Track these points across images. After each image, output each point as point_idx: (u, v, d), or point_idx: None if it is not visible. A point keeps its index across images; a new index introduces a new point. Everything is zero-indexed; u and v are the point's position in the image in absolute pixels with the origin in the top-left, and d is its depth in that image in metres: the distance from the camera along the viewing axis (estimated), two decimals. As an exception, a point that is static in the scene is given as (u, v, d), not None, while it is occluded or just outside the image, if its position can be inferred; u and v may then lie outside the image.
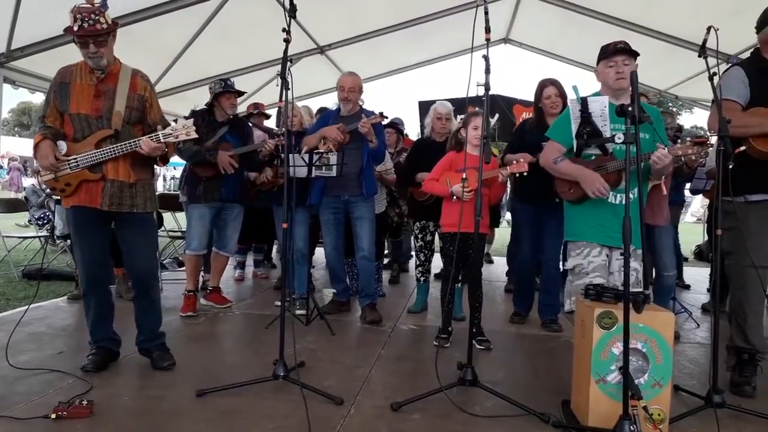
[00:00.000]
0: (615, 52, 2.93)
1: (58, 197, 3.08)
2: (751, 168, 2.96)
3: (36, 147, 2.97)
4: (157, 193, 3.53)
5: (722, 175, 2.73)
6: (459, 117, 4.95)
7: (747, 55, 3.34)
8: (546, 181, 3.59)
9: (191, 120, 3.08)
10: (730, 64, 3.21)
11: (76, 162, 2.98)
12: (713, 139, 2.94)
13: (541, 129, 4.22)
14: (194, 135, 3.05)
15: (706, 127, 3.25)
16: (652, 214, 3.96)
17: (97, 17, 2.89)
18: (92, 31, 2.89)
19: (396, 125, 6.11)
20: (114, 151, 2.98)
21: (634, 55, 2.92)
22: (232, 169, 4.40)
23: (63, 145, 3.01)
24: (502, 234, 7.82)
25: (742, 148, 2.95)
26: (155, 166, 3.34)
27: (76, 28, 2.89)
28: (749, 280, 3.01)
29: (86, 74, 3.04)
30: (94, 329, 3.18)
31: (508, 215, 7.46)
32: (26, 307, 3.86)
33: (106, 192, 3.01)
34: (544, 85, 4.26)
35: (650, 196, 3.72)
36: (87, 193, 3.02)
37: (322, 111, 5.67)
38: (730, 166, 2.74)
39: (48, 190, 3.10)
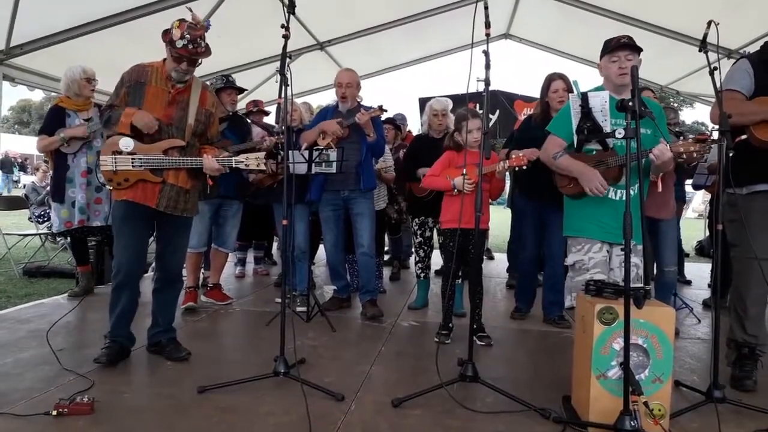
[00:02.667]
0: (618, 47, 2.91)
1: (111, 188, 3.16)
2: (752, 158, 2.96)
3: (134, 114, 3.03)
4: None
5: (724, 167, 2.72)
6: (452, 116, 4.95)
7: (748, 49, 3.33)
8: (551, 177, 3.59)
9: (263, 153, 3.24)
10: (739, 57, 3.20)
11: (140, 162, 3.06)
12: (714, 134, 2.93)
13: (546, 124, 4.21)
14: (263, 167, 3.23)
15: (708, 122, 3.25)
16: (656, 207, 3.95)
17: (202, 41, 3.07)
18: (194, 53, 3.06)
19: (394, 121, 6.10)
20: (179, 162, 3.11)
21: (638, 50, 2.90)
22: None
23: (131, 143, 3.07)
24: (503, 230, 7.83)
25: (743, 137, 2.94)
26: None
27: (179, 45, 3.02)
28: (752, 272, 3.00)
29: (162, 79, 3.15)
30: (116, 324, 3.20)
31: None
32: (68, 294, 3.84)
33: (164, 194, 3.12)
34: (552, 78, 4.22)
35: (652, 190, 3.69)
36: (143, 191, 3.11)
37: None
38: (731, 154, 2.73)
39: (107, 185, 3.18)
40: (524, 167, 3.54)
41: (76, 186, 4.60)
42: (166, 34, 3.09)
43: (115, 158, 3.05)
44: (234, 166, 3.19)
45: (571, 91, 4.10)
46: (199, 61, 3.18)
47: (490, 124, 5.26)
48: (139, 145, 3.08)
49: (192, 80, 3.23)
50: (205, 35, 3.13)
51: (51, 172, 4.82)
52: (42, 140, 4.59)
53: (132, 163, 3.05)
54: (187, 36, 3.03)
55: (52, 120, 4.61)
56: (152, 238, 3.50)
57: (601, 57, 3.02)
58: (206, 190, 4.40)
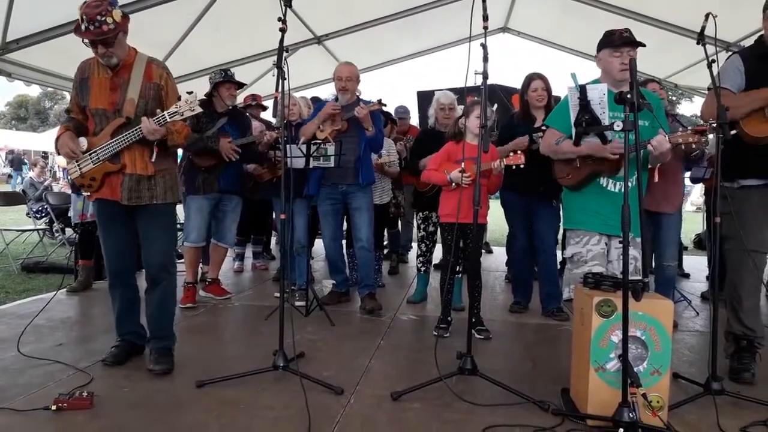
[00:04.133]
0: (622, 43, 2.90)
1: (88, 193, 3.08)
2: (744, 153, 2.97)
3: (57, 138, 3.00)
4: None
5: (718, 162, 2.73)
6: (458, 107, 4.94)
7: (746, 43, 3.32)
8: (536, 171, 3.59)
9: (194, 94, 3.00)
10: (731, 52, 3.20)
11: (97, 155, 2.99)
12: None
13: (527, 121, 4.26)
14: (198, 110, 2.98)
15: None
16: (656, 201, 3.94)
17: (103, 18, 2.78)
18: (98, 34, 2.81)
19: (389, 115, 6.09)
20: (125, 139, 2.94)
21: (639, 45, 2.90)
22: (235, 155, 4.39)
23: (84, 141, 3.02)
24: (502, 224, 7.83)
25: (733, 131, 2.95)
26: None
27: (82, 29, 2.82)
28: (745, 265, 3.01)
29: (102, 67, 3.01)
30: (118, 322, 3.18)
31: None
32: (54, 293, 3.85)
33: (124, 186, 3.00)
34: (531, 78, 4.35)
35: (657, 182, 3.65)
36: (109, 187, 3.03)
37: (316, 100, 5.65)
38: (721, 148, 2.74)
39: (82, 191, 3.14)
40: (521, 165, 3.53)
41: None
42: (76, 28, 2.88)
43: (77, 162, 3.00)
44: (169, 119, 2.93)
45: (550, 91, 4.24)
46: (114, 41, 2.85)
47: (492, 116, 5.28)
48: (91, 140, 3.02)
49: (133, 58, 3.02)
50: (111, 9, 2.81)
51: (48, 167, 4.86)
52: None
53: (91, 159, 2.99)
54: (85, 17, 2.77)
55: None
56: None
57: (601, 49, 3.01)
58: (205, 183, 4.42)
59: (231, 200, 4.67)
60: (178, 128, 3.01)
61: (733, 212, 2.95)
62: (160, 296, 3.13)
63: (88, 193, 3.08)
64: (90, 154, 2.99)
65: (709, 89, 2.85)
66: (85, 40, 2.87)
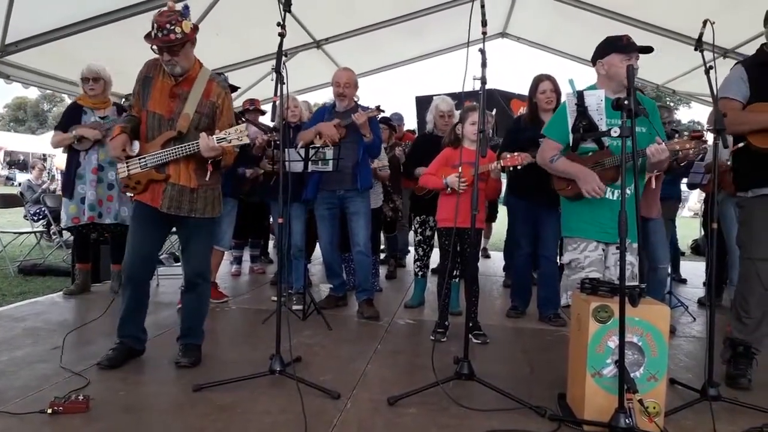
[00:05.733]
0: (633, 49, 2.88)
1: (131, 194, 3.17)
2: (756, 163, 3.00)
3: (112, 138, 3.08)
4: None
5: (726, 170, 2.75)
6: (456, 111, 4.95)
7: (744, 49, 3.34)
8: (542, 177, 3.58)
9: (245, 125, 3.10)
10: (736, 62, 3.22)
11: (145, 161, 3.04)
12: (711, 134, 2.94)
13: (535, 124, 4.23)
14: (246, 140, 3.04)
15: (704, 122, 3.27)
16: (646, 206, 3.97)
17: (172, 27, 2.89)
18: (165, 41, 2.90)
19: (389, 120, 6.11)
20: (176, 152, 3.00)
21: (648, 51, 2.90)
22: None
23: (136, 145, 3.10)
24: (500, 229, 7.84)
25: (741, 144, 2.98)
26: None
27: (152, 36, 2.91)
28: (754, 273, 3.01)
29: (167, 73, 3.06)
30: (122, 323, 3.18)
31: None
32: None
33: (166, 194, 3.05)
34: (540, 79, 4.28)
35: (645, 188, 3.70)
36: (152, 193, 3.08)
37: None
38: (728, 162, 2.76)
39: (126, 192, 3.26)
40: (518, 167, 3.54)
41: (86, 182, 4.64)
42: (147, 35, 3.00)
43: (126, 163, 3.07)
44: (216, 144, 2.98)
45: (559, 92, 4.18)
46: (179, 51, 2.94)
47: (492, 121, 5.27)
48: (144, 145, 3.09)
49: (197, 73, 3.10)
50: (181, 20, 2.91)
51: (47, 170, 4.87)
52: (55, 136, 4.70)
53: (140, 164, 3.05)
54: (156, 25, 2.89)
55: (68, 117, 4.70)
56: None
57: (607, 54, 2.93)
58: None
59: (226, 204, 4.64)
60: (229, 150, 3.08)
61: (746, 220, 2.96)
62: (195, 298, 3.31)
63: (131, 195, 3.16)
64: (139, 159, 3.05)
65: (717, 97, 2.85)
66: (154, 47, 2.95)
